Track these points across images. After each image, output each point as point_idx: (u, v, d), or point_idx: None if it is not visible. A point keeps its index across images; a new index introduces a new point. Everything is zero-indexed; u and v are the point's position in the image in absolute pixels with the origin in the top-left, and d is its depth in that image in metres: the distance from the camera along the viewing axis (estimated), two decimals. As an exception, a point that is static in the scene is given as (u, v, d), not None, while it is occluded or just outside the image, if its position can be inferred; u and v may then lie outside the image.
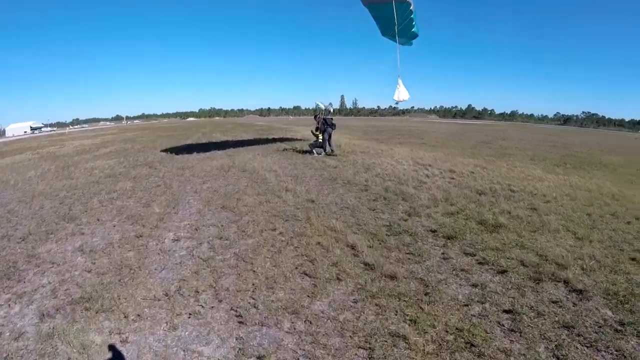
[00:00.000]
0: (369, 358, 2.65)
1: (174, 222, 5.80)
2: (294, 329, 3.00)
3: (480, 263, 4.08)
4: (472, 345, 2.72)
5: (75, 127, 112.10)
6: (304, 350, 2.75)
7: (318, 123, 13.45)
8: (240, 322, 3.10)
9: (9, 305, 3.50)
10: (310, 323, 3.06)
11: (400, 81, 11.43)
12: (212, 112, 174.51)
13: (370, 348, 2.73)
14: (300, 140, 19.47)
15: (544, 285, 3.55)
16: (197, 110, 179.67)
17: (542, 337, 2.81)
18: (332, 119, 13.69)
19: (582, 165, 13.69)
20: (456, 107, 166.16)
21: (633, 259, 4.13)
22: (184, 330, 3.03)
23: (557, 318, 3.04)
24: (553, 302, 3.28)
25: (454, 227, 5.19)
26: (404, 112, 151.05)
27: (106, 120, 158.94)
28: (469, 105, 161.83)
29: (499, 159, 13.69)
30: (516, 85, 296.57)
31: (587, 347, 2.70)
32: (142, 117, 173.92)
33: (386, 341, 2.79)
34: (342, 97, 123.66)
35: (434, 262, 4.15)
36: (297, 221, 5.63)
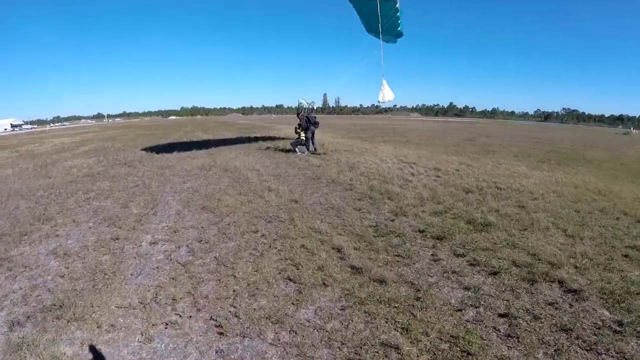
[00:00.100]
0: (359, 372, 2.43)
1: (152, 223, 5.54)
2: (278, 340, 2.78)
3: (471, 264, 3.93)
4: (468, 353, 2.55)
5: (56, 124, 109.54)
6: (288, 364, 2.52)
7: (301, 121, 13.24)
8: (220, 333, 2.87)
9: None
10: (296, 333, 2.84)
11: (384, 82, 11.43)
12: (195, 111, 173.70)
13: (360, 360, 2.51)
14: (283, 138, 19.27)
15: (539, 286, 3.42)
16: (179, 109, 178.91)
17: (541, 341, 2.66)
18: (315, 116, 13.52)
19: (566, 161, 13.86)
20: (438, 105, 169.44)
21: (626, 256, 4.07)
22: (160, 342, 2.81)
23: (554, 321, 2.90)
24: (549, 304, 3.14)
25: (442, 226, 5.05)
26: (386, 110, 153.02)
27: (87, 118, 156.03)
28: (451, 103, 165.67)
29: (484, 157, 13.75)
30: (496, 83, 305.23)
31: (587, 350, 2.58)
32: (124, 115, 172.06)
33: (377, 352, 2.59)
34: (325, 95, 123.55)
35: (424, 264, 3.98)
36: (280, 222, 5.39)
